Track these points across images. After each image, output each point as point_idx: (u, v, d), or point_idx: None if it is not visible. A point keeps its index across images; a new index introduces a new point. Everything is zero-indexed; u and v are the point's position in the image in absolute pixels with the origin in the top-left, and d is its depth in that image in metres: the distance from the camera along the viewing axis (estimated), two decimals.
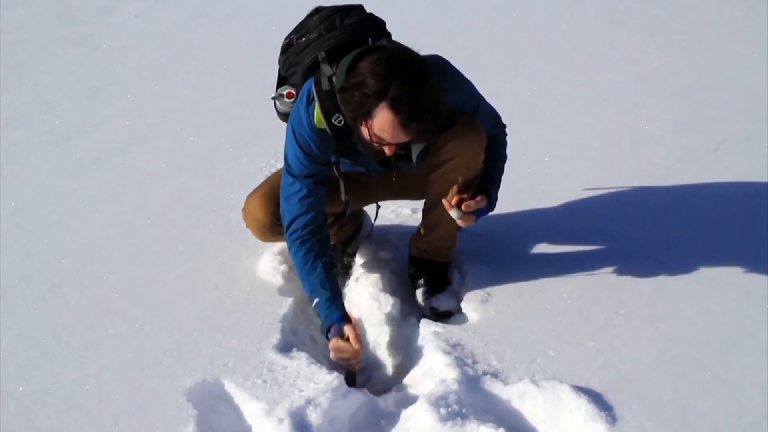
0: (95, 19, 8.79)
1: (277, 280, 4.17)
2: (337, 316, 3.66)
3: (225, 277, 4.25)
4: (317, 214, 3.74)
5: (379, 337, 3.91)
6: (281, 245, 4.37)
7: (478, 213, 3.67)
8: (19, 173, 5.41)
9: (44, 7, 9.12)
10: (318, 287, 3.71)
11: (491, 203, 3.76)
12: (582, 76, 7.02)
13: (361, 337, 3.67)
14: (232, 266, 4.34)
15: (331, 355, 3.66)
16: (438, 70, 3.47)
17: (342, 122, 3.47)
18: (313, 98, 3.55)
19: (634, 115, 6.19)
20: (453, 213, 3.56)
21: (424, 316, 4.03)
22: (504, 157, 3.93)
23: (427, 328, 3.81)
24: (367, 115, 3.29)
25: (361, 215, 4.50)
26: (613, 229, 4.62)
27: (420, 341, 3.78)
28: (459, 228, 4.13)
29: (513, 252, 4.38)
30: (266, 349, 3.69)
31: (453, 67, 3.69)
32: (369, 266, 4.27)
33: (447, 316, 4.04)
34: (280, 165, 3.82)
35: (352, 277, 4.29)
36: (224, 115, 6.28)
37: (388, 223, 4.70)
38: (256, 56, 7.24)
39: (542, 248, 4.46)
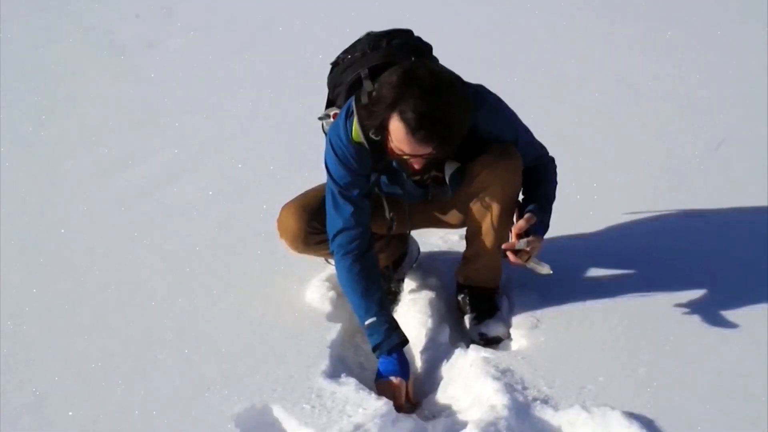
0: (141, 51, 8.85)
1: (325, 307, 4.15)
2: (397, 338, 3.69)
3: (271, 308, 4.23)
4: (364, 230, 3.76)
5: (427, 363, 3.90)
6: (329, 273, 4.36)
7: (537, 232, 3.66)
8: (67, 204, 5.44)
9: (91, 40, 9.20)
10: (377, 308, 3.72)
11: (544, 224, 3.75)
12: (626, 107, 6.98)
13: (408, 395, 3.70)
14: (279, 297, 4.33)
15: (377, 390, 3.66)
16: (475, 96, 3.54)
17: (379, 137, 3.47)
18: (352, 112, 3.57)
19: (680, 146, 6.15)
20: (520, 246, 3.54)
21: (473, 342, 4.00)
22: (551, 183, 3.93)
23: (476, 354, 3.77)
24: (384, 127, 3.35)
25: (407, 241, 4.46)
26: (662, 256, 4.58)
27: (469, 367, 3.73)
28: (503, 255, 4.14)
29: (562, 279, 4.33)
30: (315, 376, 3.66)
31: (496, 98, 3.73)
32: (417, 292, 4.26)
33: (496, 342, 4.01)
34: None
35: (401, 303, 4.29)
36: (270, 146, 6.30)
37: (436, 249, 4.69)
38: (300, 87, 7.27)
39: (591, 275, 4.42)
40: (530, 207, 3.70)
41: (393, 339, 3.69)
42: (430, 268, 4.48)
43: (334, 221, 3.76)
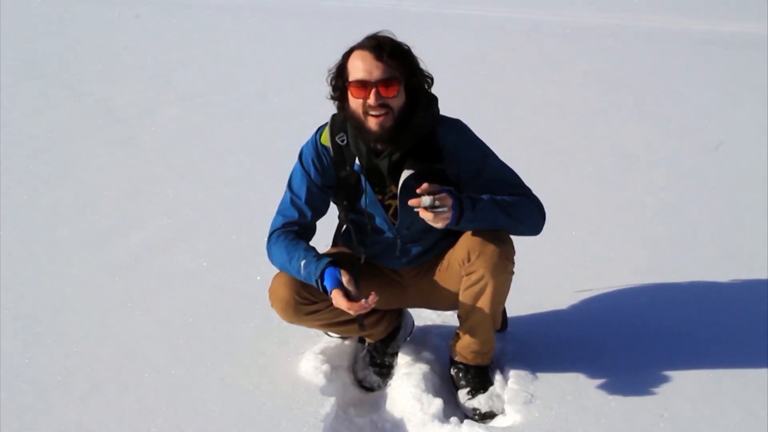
0: (136, 119, 8.93)
1: (319, 380, 4.14)
2: (327, 261, 3.68)
3: (266, 378, 4.23)
4: (303, 230, 3.94)
5: None
6: (323, 345, 4.38)
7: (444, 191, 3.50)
8: (62, 272, 5.44)
9: (87, 109, 9.28)
10: (303, 252, 3.76)
11: (463, 210, 3.54)
12: (621, 177, 7.07)
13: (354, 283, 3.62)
14: (273, 366, 4.32)
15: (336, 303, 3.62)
16: (446, 119, 3.85)
17: (345, 141, 3.72)
18: (327, 124, 3.86)
19: (673, 216, 6.22)
20: (425, 203, 3.41)
21: (468, 417, 4.01)
22: (516, 206, 3.72)
23: (470, 429, 3.78)
24: (345, 76, 3.62)
25: (402, 314, 4.47)
26: (656, 329, 4.61)
27: None
28: (498, 330, 4.16)
29: (556, 352, 4.36)
30: None
31: (468, 128, 3.94)
32: (411, 366, 4.26)
33: (490, 417, 4.01)
34: None
35: (395, 377, 4.28)
36: (264, 214, 6.22)
37: (430, 323, 4.70)
38: (294, 156, 7.30)
39: (585, 348, 4.43)
40: (459, 195, 3.59)
41: (322, 262, 3.67)
42: (424, 342, 4.49)
43: (275, 220, 3.97)
